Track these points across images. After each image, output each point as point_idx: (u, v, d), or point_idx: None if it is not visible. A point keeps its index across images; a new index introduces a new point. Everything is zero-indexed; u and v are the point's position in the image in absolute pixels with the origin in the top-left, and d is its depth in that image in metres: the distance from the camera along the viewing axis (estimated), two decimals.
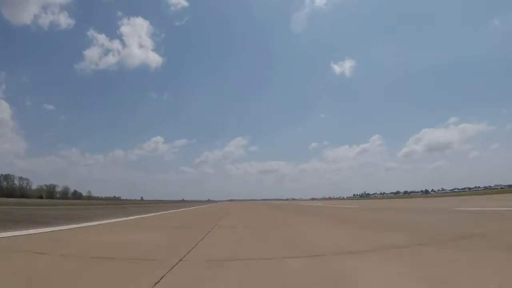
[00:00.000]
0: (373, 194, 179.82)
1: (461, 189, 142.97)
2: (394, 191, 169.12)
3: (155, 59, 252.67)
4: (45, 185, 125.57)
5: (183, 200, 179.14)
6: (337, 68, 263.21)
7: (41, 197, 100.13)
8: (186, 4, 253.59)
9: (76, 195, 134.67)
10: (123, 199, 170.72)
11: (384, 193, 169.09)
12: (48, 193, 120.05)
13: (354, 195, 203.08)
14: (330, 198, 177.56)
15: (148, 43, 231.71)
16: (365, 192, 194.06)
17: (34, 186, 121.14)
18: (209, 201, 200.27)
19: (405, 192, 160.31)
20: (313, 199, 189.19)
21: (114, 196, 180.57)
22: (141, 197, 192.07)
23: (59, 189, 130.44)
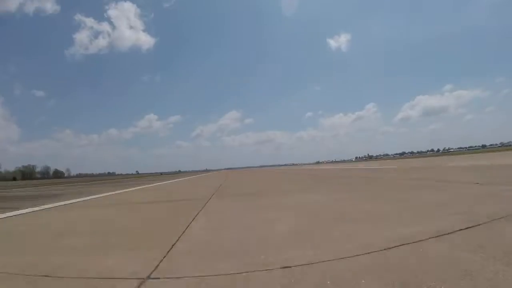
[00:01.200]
0: (376, 156, 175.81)
1: (470, 147, 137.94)
2: (399, 152, 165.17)
3: (146, 40, 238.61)
4: (23, 166, 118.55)
5: (179, 171, 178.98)
6: (333, 43, 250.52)
7: (14, 179, 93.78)
8: None
9: (58, 174, 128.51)
10: (117, 174, 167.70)
11: (387, 154, 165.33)
12: (27, 174, 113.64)
13: (356, 157, 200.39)
14: (335, 162, 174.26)
15: (138, 24, 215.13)
16: (368, 154, 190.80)
17: (11, 168, 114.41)
18: (206, 170, 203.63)
19: (411, 153, 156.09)
20: (318, 162, 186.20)
21: (108, 172, 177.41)
22: (137, 171, 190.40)
23: (38, 169, 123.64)
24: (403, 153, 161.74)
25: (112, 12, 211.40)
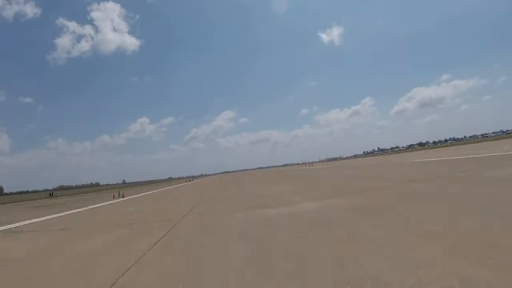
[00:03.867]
0: (390, 148, 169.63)
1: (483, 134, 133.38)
2: (407, 144, 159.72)
3: (132, 42, 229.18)
4: None
5: (170, 178, 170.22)
6: (325, 37, 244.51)
7: None
8: None
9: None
10: (102, 185, 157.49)
11: (398, 147, 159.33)
12: None
13: (364, 152, 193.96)
14: (339, 158, 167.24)
15: (123, 26, 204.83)
16: (378, 147, 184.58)
17: None
18: (201, 175, 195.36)
19: (420, 144, 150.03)
20: (322, 160, 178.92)
21: (91, 183, 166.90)
22: (123, 180, 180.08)
23: None
24: (411, 145, 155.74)
25: (95, 14, 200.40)
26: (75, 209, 10.05)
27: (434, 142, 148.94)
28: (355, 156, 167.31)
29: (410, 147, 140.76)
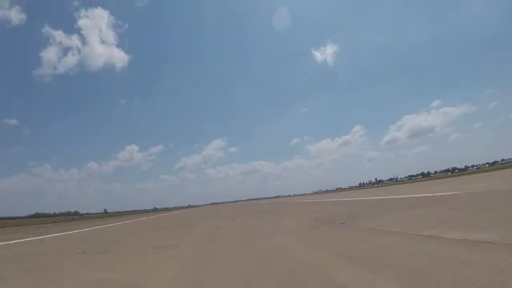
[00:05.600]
0: (387, 179, 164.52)
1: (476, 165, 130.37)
2: (407, 175, 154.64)
3: (120, 57, 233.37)
4: None
5: (154, 209, 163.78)
6: (318, 55, 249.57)
7: None
8: None
9: None
10: (81, 214, 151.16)
11: (397, 177, 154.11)
12: None
13: (360, 184, 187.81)
14: (340, 189, 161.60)
15: (111, 37, 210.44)
16: (376, 179, 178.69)
17: None
18: (189, 206, 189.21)
19: (423, 174, 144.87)
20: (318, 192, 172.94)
21: (69, 211, 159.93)
22: (104, 209, 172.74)
23: None
24: (412, 176, 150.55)
25: (82, 22, 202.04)
26: None
27: (423, 174, 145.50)
28: (350, 188, 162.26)
29: (411, 178, 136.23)
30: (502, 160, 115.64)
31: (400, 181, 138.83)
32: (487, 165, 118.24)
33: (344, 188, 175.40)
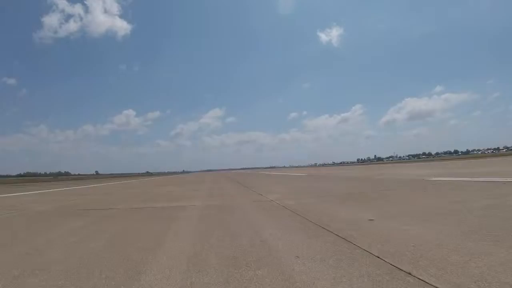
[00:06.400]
0: (386, 157, 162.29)
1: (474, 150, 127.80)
2: (411, 153, 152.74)
3: (122, 26, 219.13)
4: None
5: (147, 173, 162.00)
6: (323, 37, 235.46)
7: None
8: None
9: None
10: (72, 174, 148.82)
11: (399, 156, 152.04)
12: None
13: (358, 160, 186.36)
14: (342, 163, 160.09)
15: (114, 8, 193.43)
16: (375, 156, 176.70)
17: None
18: (183, 172, 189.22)
19: (429, 154, 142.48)
20: (315, 165, 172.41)
21: (59, 171, 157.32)
22: (96, 171, 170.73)
23: None
24: (416, 155, 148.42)
25: None
26: None
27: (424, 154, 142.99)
28: (343, 163, 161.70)
29: (414, 157, 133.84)
30: (505, 147, 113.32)
31: (403, 159, 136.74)
32: (489, 151, 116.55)
33: (343, 163, 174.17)
